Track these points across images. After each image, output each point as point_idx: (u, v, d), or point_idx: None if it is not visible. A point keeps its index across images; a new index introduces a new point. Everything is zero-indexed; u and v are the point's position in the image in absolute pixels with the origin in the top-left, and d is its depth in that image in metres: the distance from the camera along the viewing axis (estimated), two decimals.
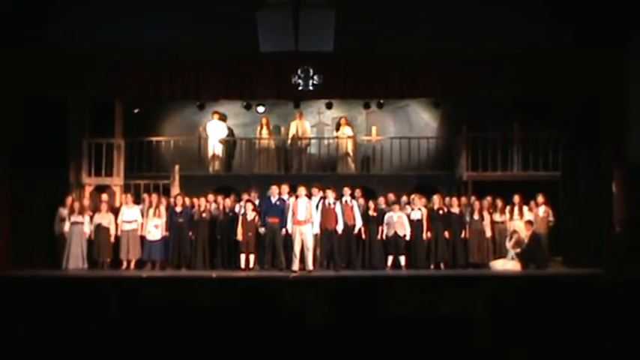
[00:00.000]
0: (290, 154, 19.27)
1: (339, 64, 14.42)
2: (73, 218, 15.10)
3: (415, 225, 15.04)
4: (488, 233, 15.20)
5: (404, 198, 15.64)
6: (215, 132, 18.89)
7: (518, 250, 14.84)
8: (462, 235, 15.17)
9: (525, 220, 15.20)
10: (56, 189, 15.66)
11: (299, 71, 14.37)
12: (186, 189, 16.75)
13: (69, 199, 15.44)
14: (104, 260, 15.12)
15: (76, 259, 14.92)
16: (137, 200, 15.84)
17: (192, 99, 16.96)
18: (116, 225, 15.18)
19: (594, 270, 13.83)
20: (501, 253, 15.14)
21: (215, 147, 18.86)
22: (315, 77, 14.40)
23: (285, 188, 14.96)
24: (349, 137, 18.96)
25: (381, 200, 15.57)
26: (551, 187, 16.07)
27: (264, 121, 19.10)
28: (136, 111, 18.40)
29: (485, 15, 12.73)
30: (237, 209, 15.05)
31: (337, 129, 19.23)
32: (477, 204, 15.37)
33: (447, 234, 15.13)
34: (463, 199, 15.90)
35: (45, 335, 7.49)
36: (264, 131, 19.11)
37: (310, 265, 14.10)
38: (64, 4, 12.45)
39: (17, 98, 14.38)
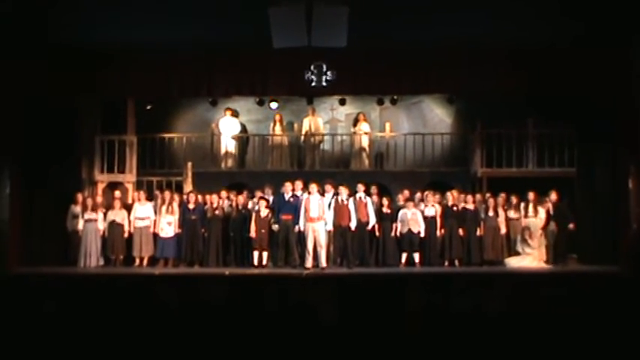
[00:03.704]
0: (303, 151, 19.24)
1: (352, 60, 14.35)
2: (87, 215, 15.05)
3: (429, 222, 14.93)
4: (503, 230, 15.05)
5: (418, 195, 15.53)
6: (228, 128, 18.85)
7: (530, 248, 14.77)
8: (477, 232, 15.04)
9: (539, 217, 15.13)
10: (68, 186, 15.63)
11: (312, 67, 14.31)
12: (199, 186, 16.74)
13: (79, 197, 15.42)
14: (117, 257, 15.10)
15: (92, 256, 14.90)
16: (150, 197, 15.81)
17: (204, 95, 16.94)
18: (129, 222, 15.15)
19: (610, 267, 13.73)
20: (516, 250, 15.03)
21: (228, 143, 18.82)
22: (329, 73, 14.33)
23: (299, 185, 14.91)
24: (366, 133, 18.89)
25: (400, 197, 15.46)
26: (566, 183, 15.96)
27: (277, 117, 19.08)
28: (148, 108, 18.39)
29: (497, 13, 12.64)
30: (250, 206, 15.03)
31: (355, 125, 19.17)
32: (491, 201, 15.22)
33: (461, 231, 15.01)
34: (477, 196, 15.79)
35: (59, 332, 7.47)
36: (277, 128, 19.08)
37: (323, 263, 14.03)
38: (73, 3, 12.39)
39: (27, 98, 14.34)
